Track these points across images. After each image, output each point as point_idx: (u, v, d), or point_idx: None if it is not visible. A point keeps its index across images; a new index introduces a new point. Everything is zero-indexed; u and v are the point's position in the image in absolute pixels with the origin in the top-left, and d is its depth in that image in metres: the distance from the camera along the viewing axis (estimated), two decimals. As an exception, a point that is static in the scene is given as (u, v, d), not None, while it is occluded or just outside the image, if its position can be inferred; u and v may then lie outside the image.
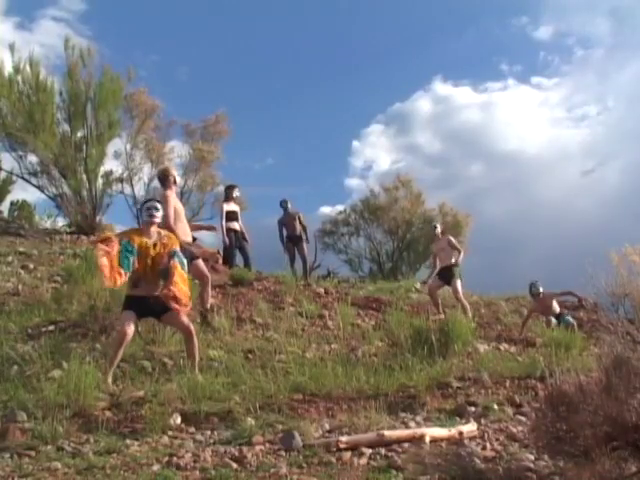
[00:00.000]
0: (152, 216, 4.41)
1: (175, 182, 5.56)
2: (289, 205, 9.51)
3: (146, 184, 12.51)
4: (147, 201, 4.66)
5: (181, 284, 4.25)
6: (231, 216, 8.46)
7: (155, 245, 4.33)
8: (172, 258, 4.30)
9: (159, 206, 4.52)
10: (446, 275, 7.88)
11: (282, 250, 9.45)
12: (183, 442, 3.27)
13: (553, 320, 7.80)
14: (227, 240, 8.23)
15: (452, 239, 8.23)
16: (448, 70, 43.34)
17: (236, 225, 8.51)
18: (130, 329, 4.14)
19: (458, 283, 7.76)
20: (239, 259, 8.63)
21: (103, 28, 32.37)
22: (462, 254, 8.09)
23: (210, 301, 5.78)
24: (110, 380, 4.02)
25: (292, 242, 9.38)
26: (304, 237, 9.45)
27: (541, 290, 8.05)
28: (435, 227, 8.57)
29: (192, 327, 4.41)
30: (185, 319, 4.37)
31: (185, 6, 36.31)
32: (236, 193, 8.75)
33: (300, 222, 9.50)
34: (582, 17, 43.85)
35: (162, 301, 4.20)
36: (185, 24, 38.28)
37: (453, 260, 7.92)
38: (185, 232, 5.29)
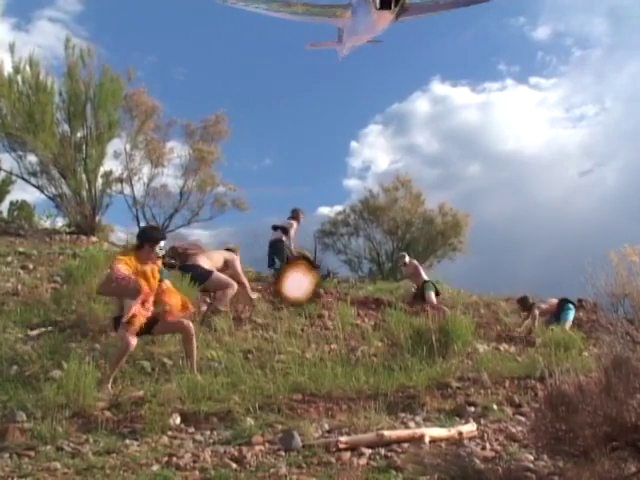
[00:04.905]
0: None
1: None
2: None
3: (146, 184, 12.52)
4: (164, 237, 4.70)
5: (173, 299, 4.41)
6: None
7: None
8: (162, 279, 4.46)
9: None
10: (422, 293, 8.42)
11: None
12: (182, 442, 3.27)
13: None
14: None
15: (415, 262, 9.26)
16: (446, 70, 43.20)
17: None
18: (134, 340, 4.12)
19: (431, 295, 8.21)
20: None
21: (99, 29, 32.39)
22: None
23: (223, 309, 5.87)
24: (109, 385, 4.02)
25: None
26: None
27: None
28: (403, 256, 9.54)
29: (191, 325, 4.43)
30: (182, 319, 4.41)
31: (182, 6, 36.30)
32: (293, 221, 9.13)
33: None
34: (580, 17, 43.89)
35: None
36: (182, 24, 38.22)
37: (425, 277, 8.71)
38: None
